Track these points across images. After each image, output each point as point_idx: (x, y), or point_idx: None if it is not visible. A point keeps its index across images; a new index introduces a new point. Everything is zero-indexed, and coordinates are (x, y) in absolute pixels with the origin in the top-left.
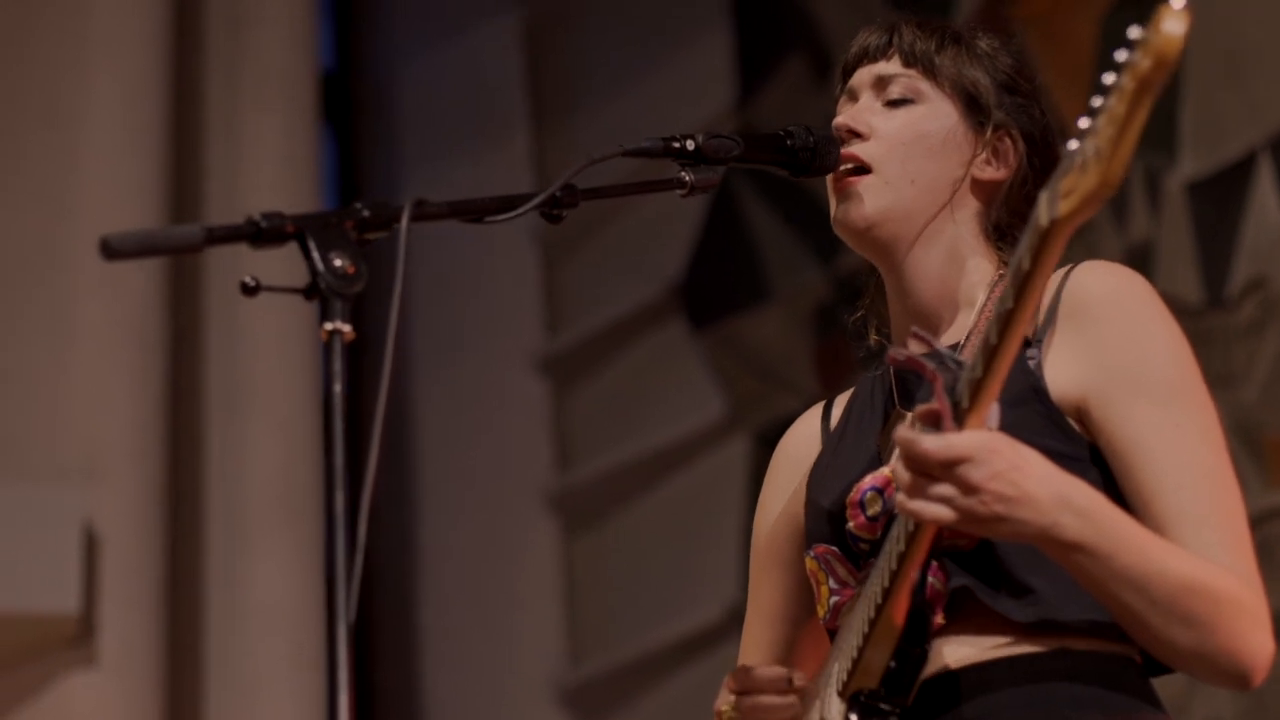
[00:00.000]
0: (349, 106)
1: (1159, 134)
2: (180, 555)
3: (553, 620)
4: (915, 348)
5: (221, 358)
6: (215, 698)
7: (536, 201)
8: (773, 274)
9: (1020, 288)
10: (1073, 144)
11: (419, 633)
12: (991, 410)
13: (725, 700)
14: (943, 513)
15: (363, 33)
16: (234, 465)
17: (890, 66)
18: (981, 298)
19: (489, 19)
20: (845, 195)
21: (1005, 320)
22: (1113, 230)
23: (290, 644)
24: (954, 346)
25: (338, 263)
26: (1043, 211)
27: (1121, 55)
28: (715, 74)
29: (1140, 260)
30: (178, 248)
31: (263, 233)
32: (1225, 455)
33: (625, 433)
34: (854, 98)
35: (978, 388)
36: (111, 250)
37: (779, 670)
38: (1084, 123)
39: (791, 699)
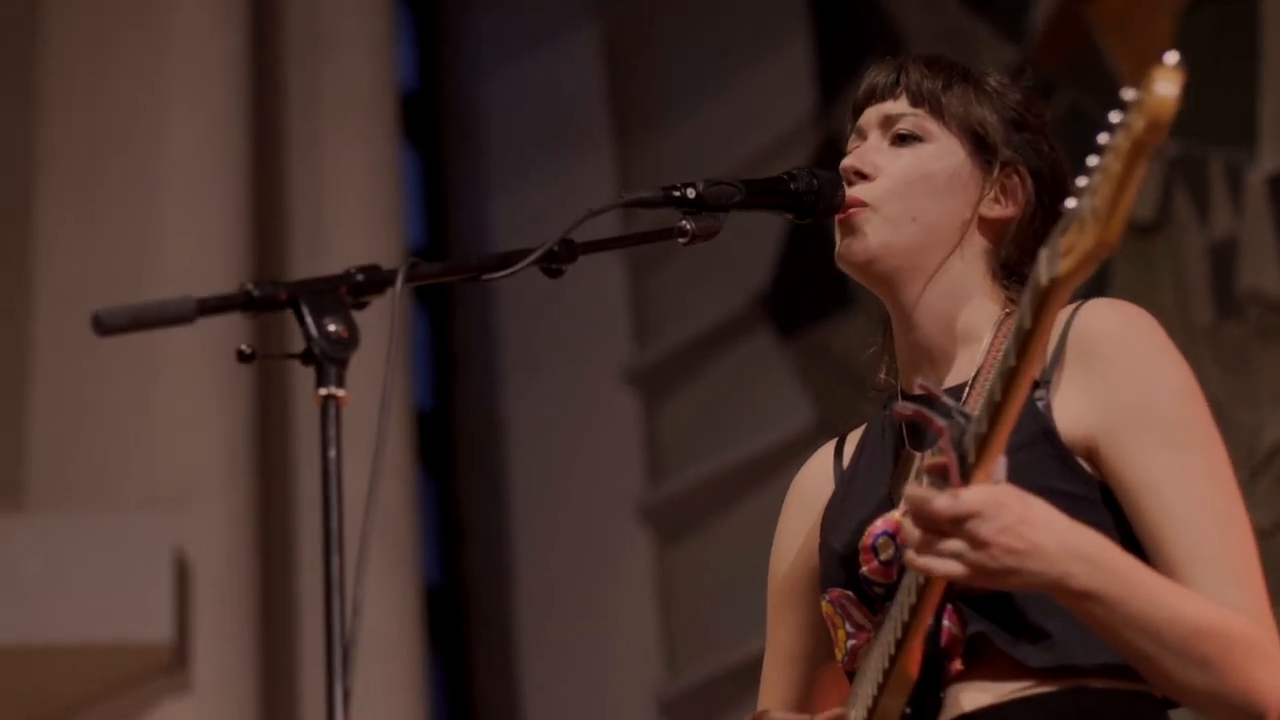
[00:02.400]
0: (433, 125)
1: (1239, 130)
2: (273, 581)
3: (649, 632)
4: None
5: (309, 382)
6: None
7: (533, 258)
8: (857, 281)
9: (1022, 346)
10: (1071, 202)
11: (517, 648)
12: (999, 463)
13: None
14: (953, 568)
15: (445, 51)
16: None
17: (898, 105)
18: (988, 336)
19: (569, 33)
20: (847, 230)
21: (1009, 378)
22: (1196, 227)
23: (385, 668)
24: (960, 386)
25: (331, 328)
26: (1043, 270)
27: (1116, 116)
28: (795, 81)
29: (1224, 256)
30: (169, 320)
31: (255, 301)
32: (1235, 493)
33: (716, 444)
34: (863, 136)
35: (983, 443)
36: (103, 326)
37: (797, 717)
38: (1082, 181)
39: None
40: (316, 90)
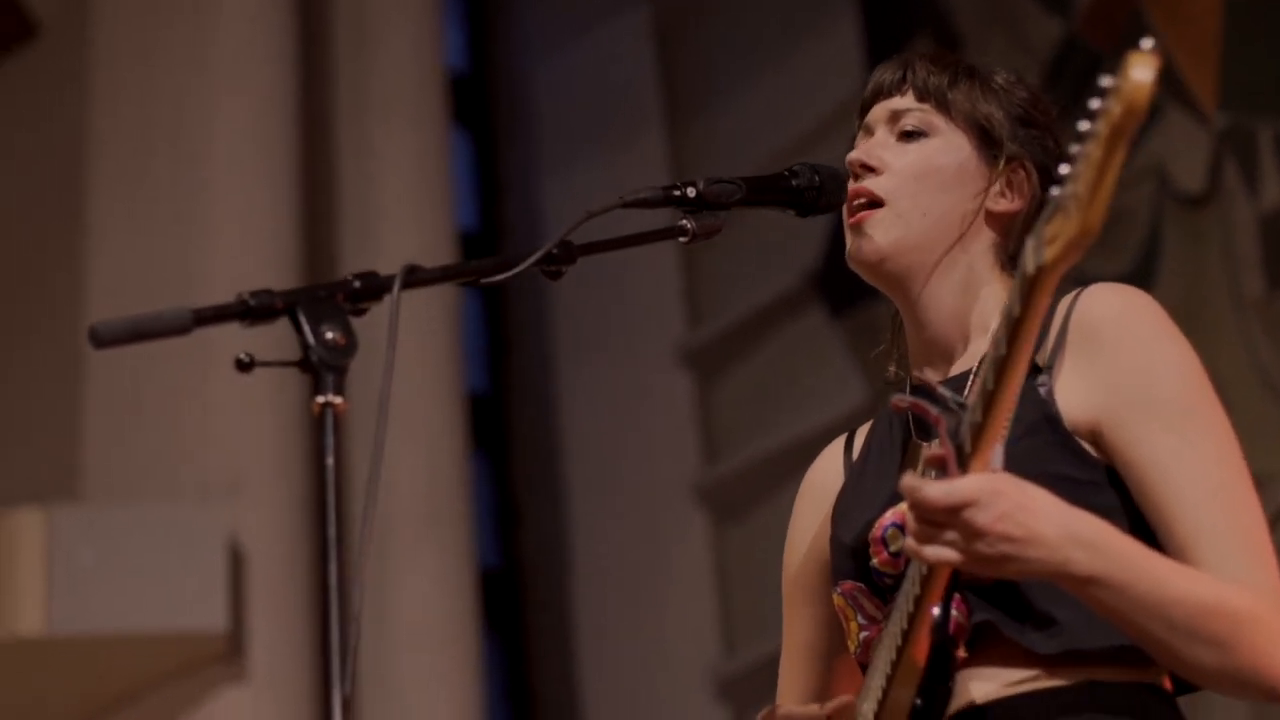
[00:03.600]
0: (484, 109)
1: None
2: (342, 559)
3: (706, 612)
4: (930, 375)
5: (361, 371)
6: (367, 711)
7: (533, 260)
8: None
9: (1012, 334)
10: (1054, 190)
11: (573, 630)
12: (995, 451)
13: None
14: (950, 556)
15: (495, 34)
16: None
17: (904, 101)
18: (994, 322)
19: (619, 16)
20: (858, 230)
21: (1000, 366)
22: (1245, 199)
23: (440, 655)
24: (965, 374)
25: (329, 335)
26: (1029, 258)
27: (1095, 103)
28: (844, 61)
29: (1274, 227)
30: (165, 332)
31: (252, 310)
32: (1242, 470)
33: (770, 423)
34: (870, 133)
35: (979, 432)
36: (99, 339)
37: (812, 709)
38: (1064, 169)
39: None
40: (365, 77)
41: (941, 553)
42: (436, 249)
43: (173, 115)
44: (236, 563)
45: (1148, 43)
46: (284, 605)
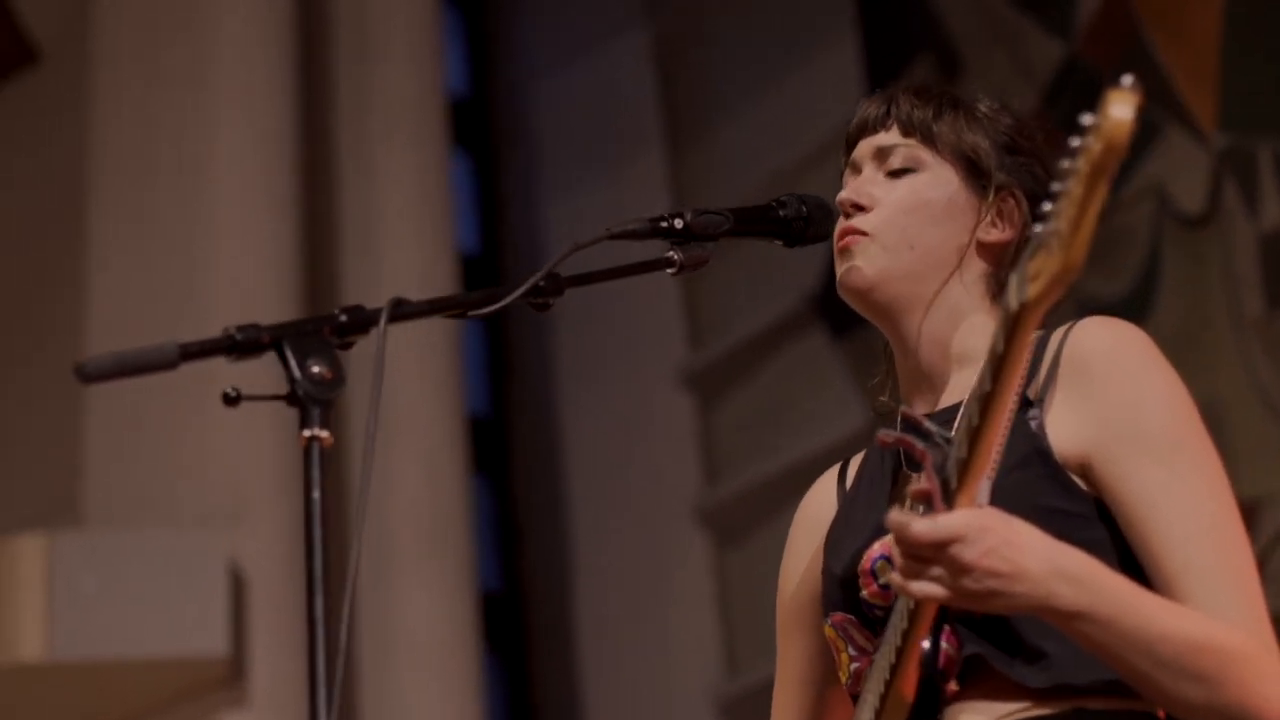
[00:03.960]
0: (485, 132)
1: None
2: (328, 591)
3: (708, 633)
4: (920, 405)
5: (361, 394)
6: None
7: (519, 293)
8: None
9: (996, 370)
10: (1037, 227)
11: (576, 651)
12: (981, 486)
13: None
14: (936, 592)
15: (496, 57)
16: (378, 498)
17: (889, 137)
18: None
19: (619, 37)
20: (845, 258)
21: (985, 403)
22: (1245, 219)
23: (442, 675)
24: (955, 406)
25: (315, 369)
26: (1012, 295)
27: (1075, 141)
28: (844, 83)
29: (1275, 247)
30: (152, 367)
31: (239, 344)
32: (1231, 505)
33: (771, 444)
34: (857, 170)
35: (964, 468)
36: (86, 375)
37: None
38: (1047, 206)
39: None
40: (366, 99)
41: (928, 589)
42: (437, 270)
43: (173, 137)
44: (238, 587)
45: (1127, 79)
46: (285, 630)
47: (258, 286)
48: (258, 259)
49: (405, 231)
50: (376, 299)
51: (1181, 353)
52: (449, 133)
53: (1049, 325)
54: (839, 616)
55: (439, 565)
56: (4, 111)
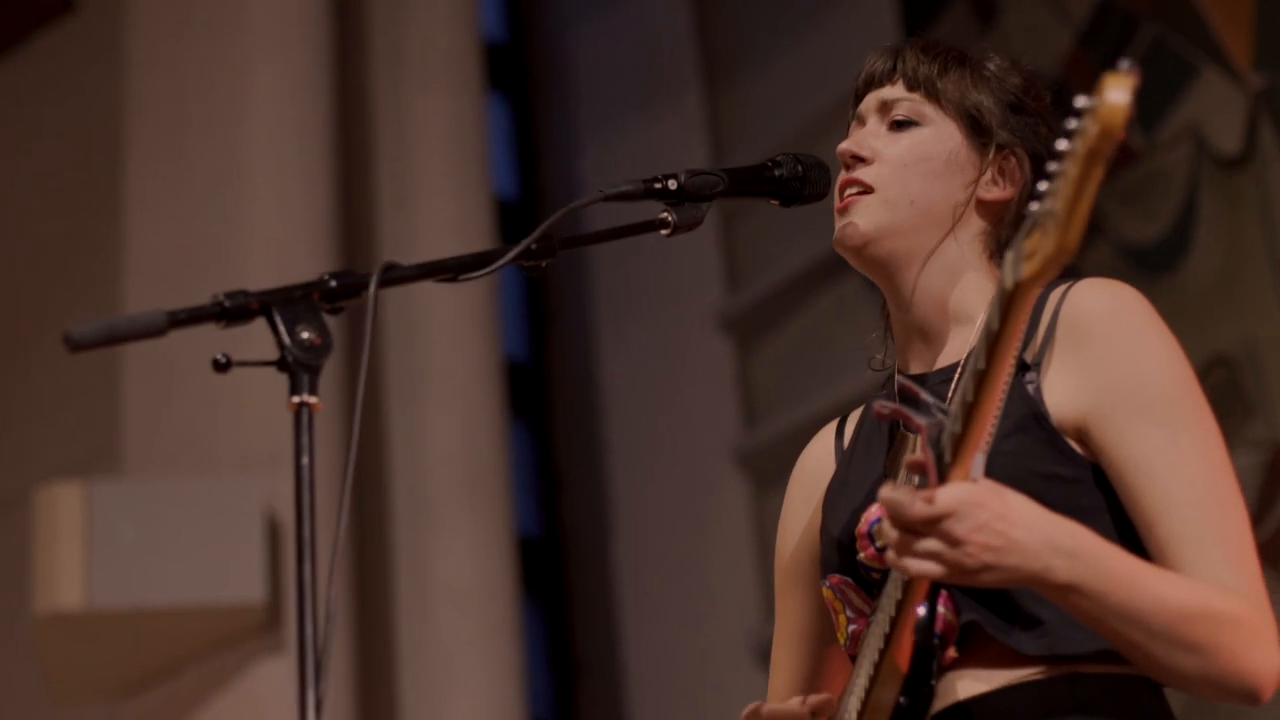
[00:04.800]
0: (522, 77)
1: None
2: (365, 539)
3: (747, 576)
4: (916, 364)
5: (399, 338)
6: (407, 678)
7: (511, 256)
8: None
9: (991, 348)
10: (1034, 205)
11: (615, 597)
12: (976, 460)
13: None
14: (930, 568)
15: (532, 2)
16: (415, 445)
17: (894, 91)
18: (982, 316)
19: None
20: (845, 213)
21: (980, 380)
22: None
23: (480, 621)
24: (953, 366)
25: (304, 336)
26: (1008, 274)
27: (1072, 123)
28: (881, 27)
29: None
30: (140, 334)
31: (228, 311)
32: (1227, 471)
33: (809, 387)
34: (862, 123)
35: (958, 443)
36: (74, 342)
37: (794, 706)
38: (1044, 186)
39: None
40: (401, 46)
41: (923, 565)
42: (474, 217)
43: (208, 86)
44: (275, 535)
45: (1124, 64)
46: (322, 576)
47: (292, 235)
48: (293, 206)
49: (441, 178)
50: (412, 247)
51: (1218, 294)
52: (485, 78)
53: (1052, 284)
54: (836, 579)
55: (477, 512)
56: (39, 62)
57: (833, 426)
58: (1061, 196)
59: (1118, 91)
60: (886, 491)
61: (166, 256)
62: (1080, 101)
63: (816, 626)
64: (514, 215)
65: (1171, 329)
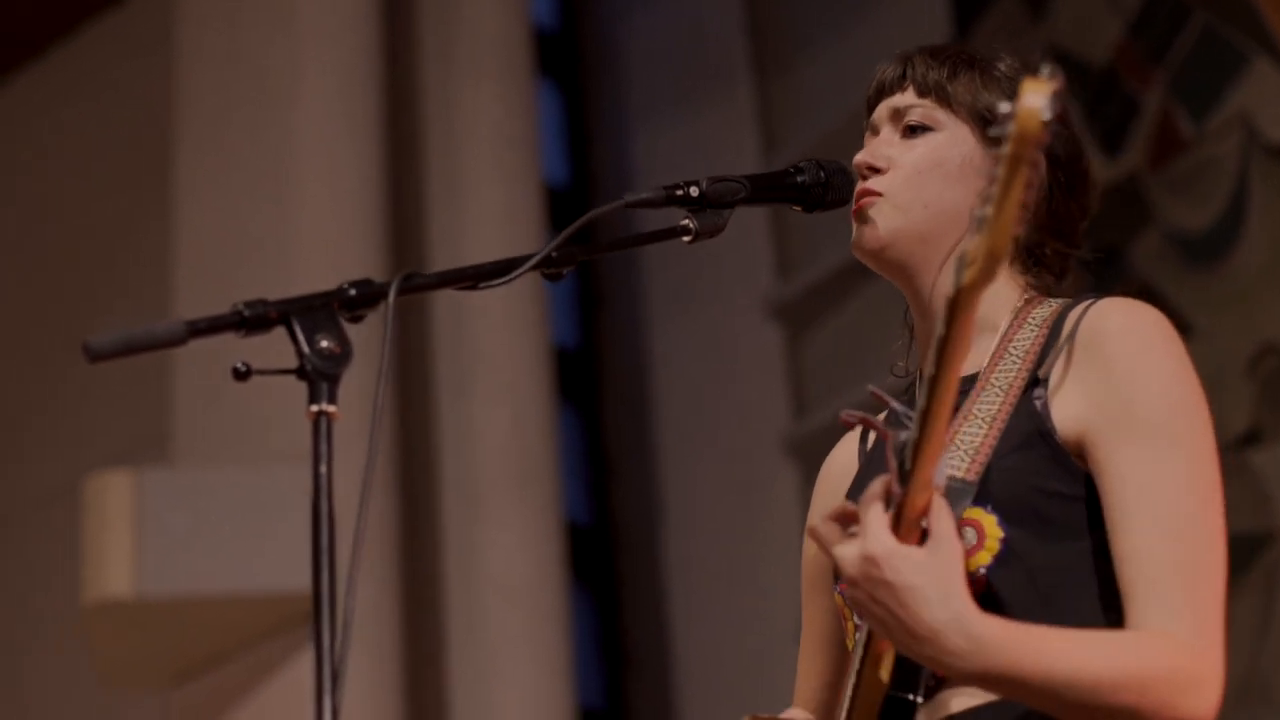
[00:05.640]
0: (573, 64)
1: None
2: (415, 528)
3: (797, 566)
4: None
5: (449, 326)
6: (456, 668)
7: (531, 264)
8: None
9: (940, 355)
10: (977, 210)
11: (665, 583)
12: (938, 467)
13: None
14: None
15: None
16: (464, 433)
17: (906, 98)
18: (1004, 323)
19: None
20: (860, 219)
21: (931, 385)
22: None
23: (529, 611)
24: (973, 375)
25: (323, 344)
26: (952, 279)
27: (998, 129)
28: (932, 15)
29: None
30: (159, 344)
31: (247, 320)
32: (1210, 503)
33: (859, 375)
34: (875, 132)
35: (916, 450)
36: (93, 353)
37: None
38: (984, 190)
39: None
40: (452, 32)
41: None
42: (524, 205)
43: (258, 74)
44: (329, 523)
45: (1046, 69)
46: (369, 565)
47: (341, 222)
48: (342, 195)
49: (491, 166)
50: (463, 236)
51: (1268, 283)
52: (536, 66)
53: (1077, 298)
54: (845, 584)
55: (526, 500)
56: (88, 55)
57: (858, 429)
58: (994, 201)
59: (1034, 96)
60: (814, 521)
61: (216, 249)
62: (1003, 107)
63: (840, 632)
64: (565, 203)
65: (1221, 318)
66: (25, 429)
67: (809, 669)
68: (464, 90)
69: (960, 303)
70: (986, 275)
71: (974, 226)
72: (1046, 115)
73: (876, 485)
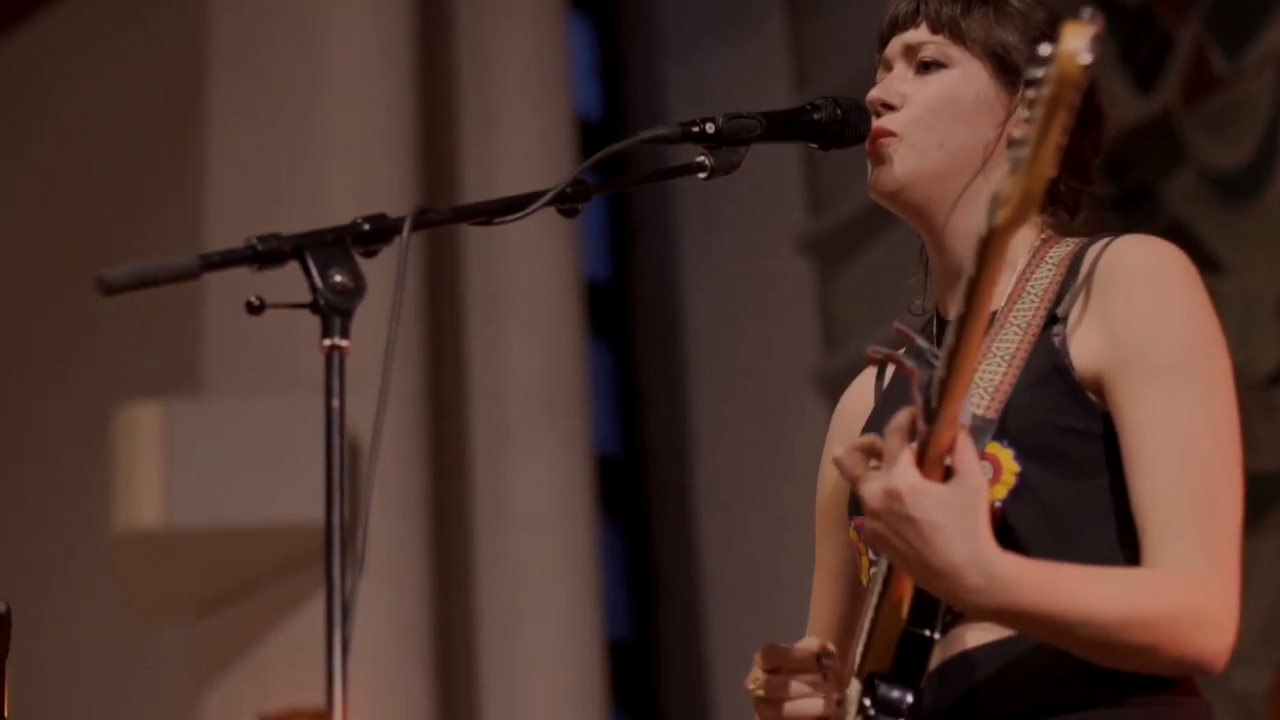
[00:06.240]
0: None
1: None
2: (444, 460)
3: None
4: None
5: (479, 257)
6: (485, 598)
7: (545, 200)
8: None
9: (970, 294)
10: (1012, 151)
11: (694, 514)
12: (963, 406)
13: (754, 679)
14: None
15: None
16: (494, 365)
17: (919, 34)
18: (1022, 261)
19: None
20: (876, 160)
21: (960, 325)
22: None
23: (558, 541)
24: (992, 314)
25: (337, 279)
26: (985, 219)
27: (1038, 71)
28: None
29: None
30: (173, 277)
31: (260, 255)
32: (1227, 442)
33: (889, 311)
34: (889, 68)
35: (943, 388)
36: (107, 286)
37: (808, 648)
38: (1018, 131)
39: (817, 678)
40: None
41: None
42: (556, 138)
43: (291, 7)
44: (353, 455)
45: (1086, 12)
46: (399, 496)
47: (374, 158)
48: (375, 130)
49: (523, 100)
50: (495, 168)
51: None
52: (567, 1)
53: (1094, 236)
54: (860, 521)
55: (556, 431)
56: None
57: (874, 368)
58: (1030, 143)
59: (1075, 40)
60: (838, 451)
61: (248, 184)
62: (1043, 49)
63: (853, 568)
64: (597, 135)
65: (1252, 256)
66: (58, 362)
67: (822, 603)
68: (496, 23)
69: (993, 243)
70: (1020, 216)
71: (1009, 167)
72: (1087, 59)
73: (902, 418)
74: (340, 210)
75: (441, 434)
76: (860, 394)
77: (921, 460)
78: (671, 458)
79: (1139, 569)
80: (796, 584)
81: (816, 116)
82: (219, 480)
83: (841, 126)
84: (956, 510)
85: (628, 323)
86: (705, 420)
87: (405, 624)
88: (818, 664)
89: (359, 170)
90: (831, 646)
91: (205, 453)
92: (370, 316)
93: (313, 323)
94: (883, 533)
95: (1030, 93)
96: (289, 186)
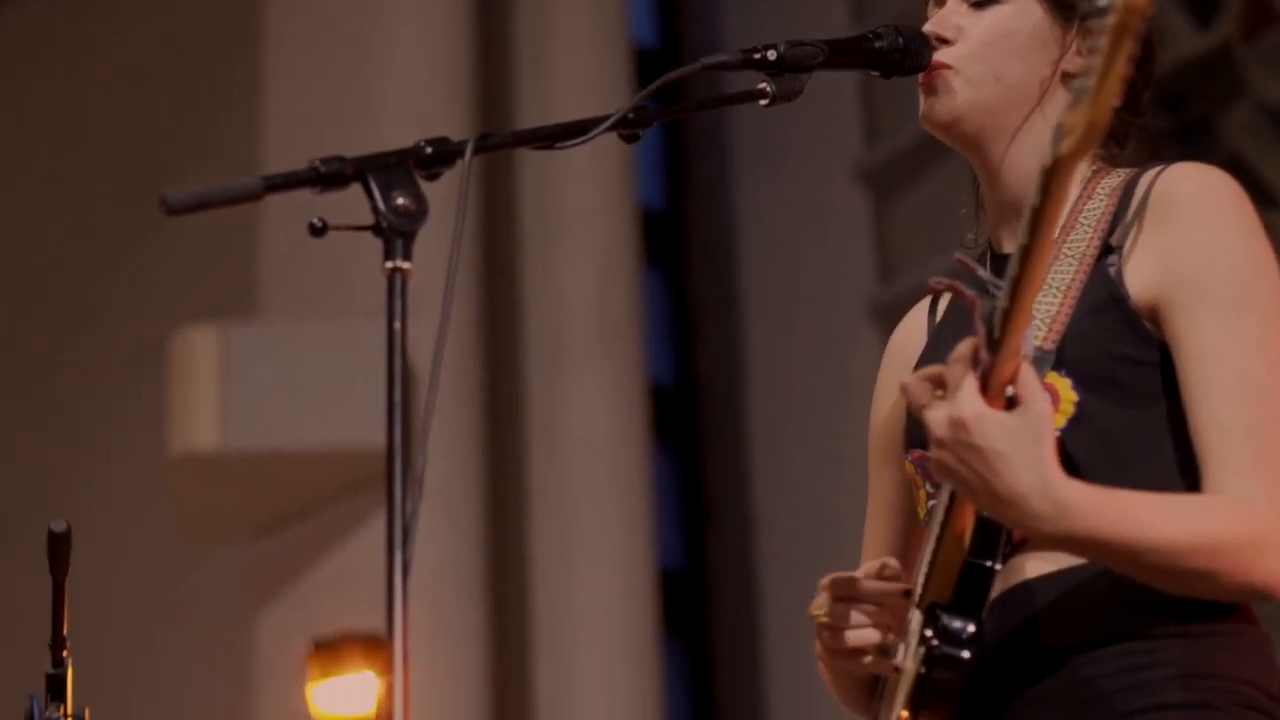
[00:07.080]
0: None
1: None
2: (499, 387)
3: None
4: (1007, 241)
5: (534, 185)
6: (537, 525)
7: (607, 125)
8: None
9: (1033, 224)
10: (1075, 82)
11: (749, 447)
12: (1026, 336)
13: (819, 604)
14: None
15: None
16: (549, 292)
17: None
18: (1074, 193)
19: None
20: (930, 91)
21: (1024, 255)
22: None
23: (611, 469)
24: None
25: (399, 201)
26: (1049, 149)
27: (1102, 0)
28: None
29: None
30: (235, 198)
31: (323, 177)
32: None
33: (945, 242)
34: (940, 2)
35: (1005, 318)
36: (170, 207)
37: (871, 569)
38: (1078, 61)
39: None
40: None
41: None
42: (612, 68)
43: None
44: (408, 380)
45: None
46: (454, 420)
47: (430, 86)
48: (431, 59)
49: (579, 29)
50: (550, 98)
51: None
52: None
53: (1144, 166)
54: (918, 454)
55: (610, 359)
56: None
57: (926, 302)
58: (1094, 73)
59: None
60: (904, 378)
61: (305, 112)
62: None
63: (907, 502)
64: (654, 65)
65: None
66: (115, 285)
67: (876, 535)
68: None
69: (1057, 173)
70: (1085, 146)
71: (1072, 98)
72: None
73: (964, 348)
74: (396, 139)
75: (496, 361)
76: (913, 327)
77: (984, 390)
78: (725, 388)
79: (1200, 495)
80: (850, 515)
81: (879, 44)
82: (274, 404)
83: (903, 55)
84: (1022, 438)
85: (683, 252)
86: (759, 350)
87: (459, 551)
88: (881, 591)
89: (415, 100)
90: (893, 561)
91: (261, 376)
92: (426, 241)
93: (369, 246)
94: (948, 462)
95: (1092, 22)
96: (345, 115)
